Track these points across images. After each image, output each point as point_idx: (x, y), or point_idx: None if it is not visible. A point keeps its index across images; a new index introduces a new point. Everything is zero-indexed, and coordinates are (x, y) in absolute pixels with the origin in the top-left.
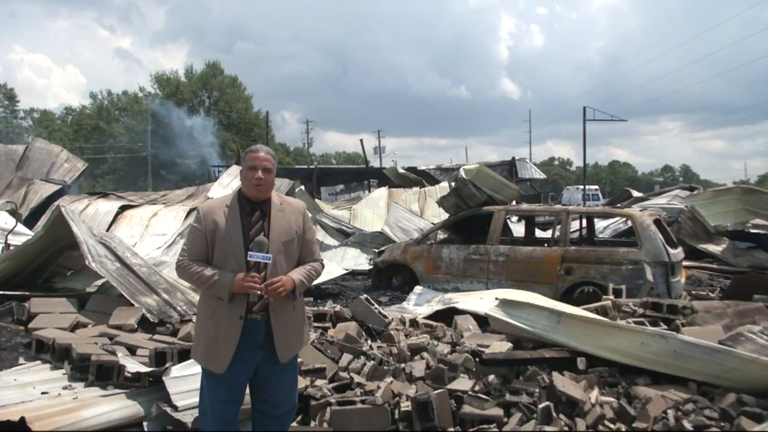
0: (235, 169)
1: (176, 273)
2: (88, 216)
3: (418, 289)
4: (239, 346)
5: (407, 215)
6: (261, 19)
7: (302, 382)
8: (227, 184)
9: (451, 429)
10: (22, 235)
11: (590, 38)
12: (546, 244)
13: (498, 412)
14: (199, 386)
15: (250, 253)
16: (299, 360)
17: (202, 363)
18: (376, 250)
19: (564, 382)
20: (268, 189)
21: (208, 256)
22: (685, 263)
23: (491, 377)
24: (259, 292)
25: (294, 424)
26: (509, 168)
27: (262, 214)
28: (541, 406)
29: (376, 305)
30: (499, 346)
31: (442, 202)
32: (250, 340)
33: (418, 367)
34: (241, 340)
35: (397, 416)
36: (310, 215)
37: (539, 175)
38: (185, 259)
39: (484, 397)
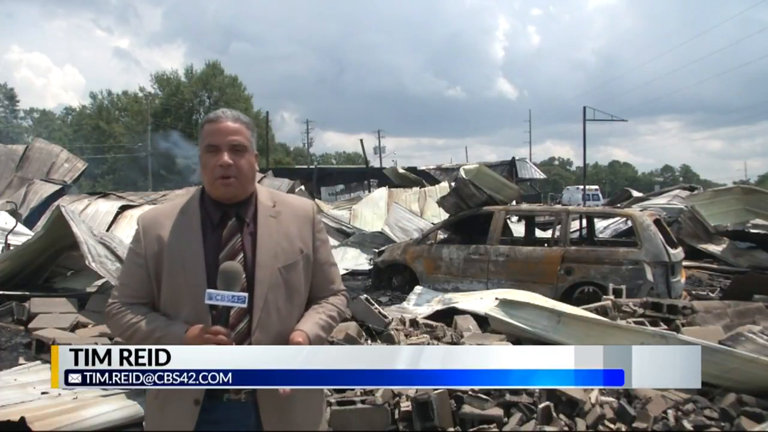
0: None
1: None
2: (88, 216)
3: (418, 289)
4: None
5: (407, 215)
6: (256, 20)
7: None
8: None
9: (451, 429)
10: (22, 235)
11: (587, 39)
12: (546, 244)
13: (498, 412)
14: None
15: (208, 291)
16: None
17: None
18: (376, 250)
19: None
20: (245, 182)
21: (153, 296)
22: (685, 263)
23: None
24: None
25: None
26: (509, 168)
27: (239, 222)
28: (541, 406)
29: (376, 305)
30: None
31: (442, 202)
32: None
33: None
34: None
35: (397, 416)
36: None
37: (539, 175)
38: (116, 302)
39: (484, 397)
